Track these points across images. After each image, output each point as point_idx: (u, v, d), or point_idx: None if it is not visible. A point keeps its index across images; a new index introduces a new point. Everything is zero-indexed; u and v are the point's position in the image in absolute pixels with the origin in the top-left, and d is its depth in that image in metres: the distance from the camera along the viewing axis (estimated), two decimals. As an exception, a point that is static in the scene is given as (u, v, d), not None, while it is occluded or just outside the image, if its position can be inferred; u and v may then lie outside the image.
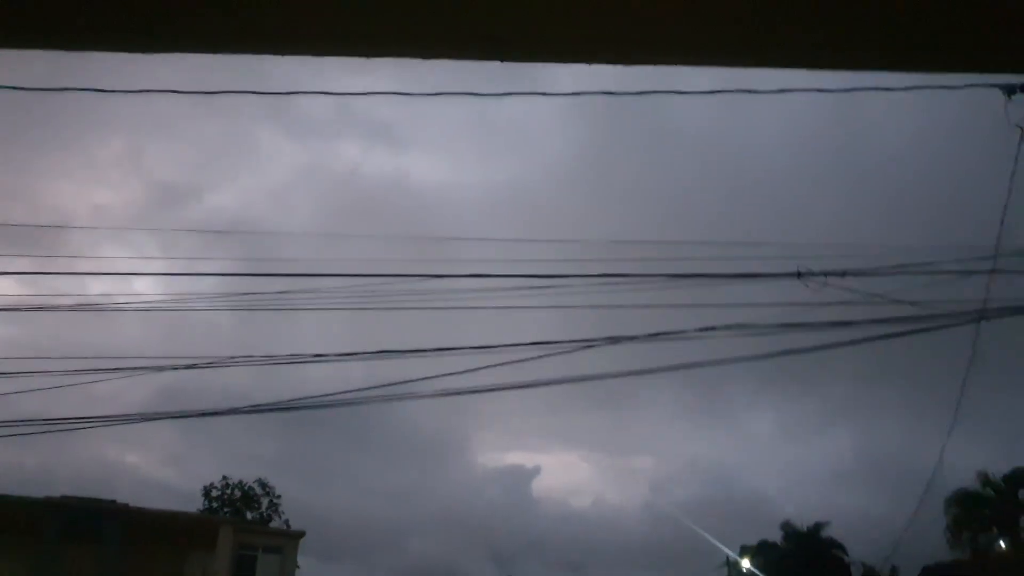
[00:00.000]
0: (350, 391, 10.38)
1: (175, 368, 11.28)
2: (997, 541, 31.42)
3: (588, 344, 9.69)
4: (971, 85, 9.75)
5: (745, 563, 36.41)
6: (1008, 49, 1.48)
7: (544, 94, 8.54)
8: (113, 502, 22.88)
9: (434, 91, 6.66)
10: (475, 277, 9.85)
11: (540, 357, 9.75)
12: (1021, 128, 9.35)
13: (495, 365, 9.80)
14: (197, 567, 25.22)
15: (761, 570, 33.16)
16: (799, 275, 9.72)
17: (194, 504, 42.25)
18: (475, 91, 8.00)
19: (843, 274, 9.91)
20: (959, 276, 9.36)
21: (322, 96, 5.77)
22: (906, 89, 8.37)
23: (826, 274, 9.69)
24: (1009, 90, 9.36)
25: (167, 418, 12.39)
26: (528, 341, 9.73)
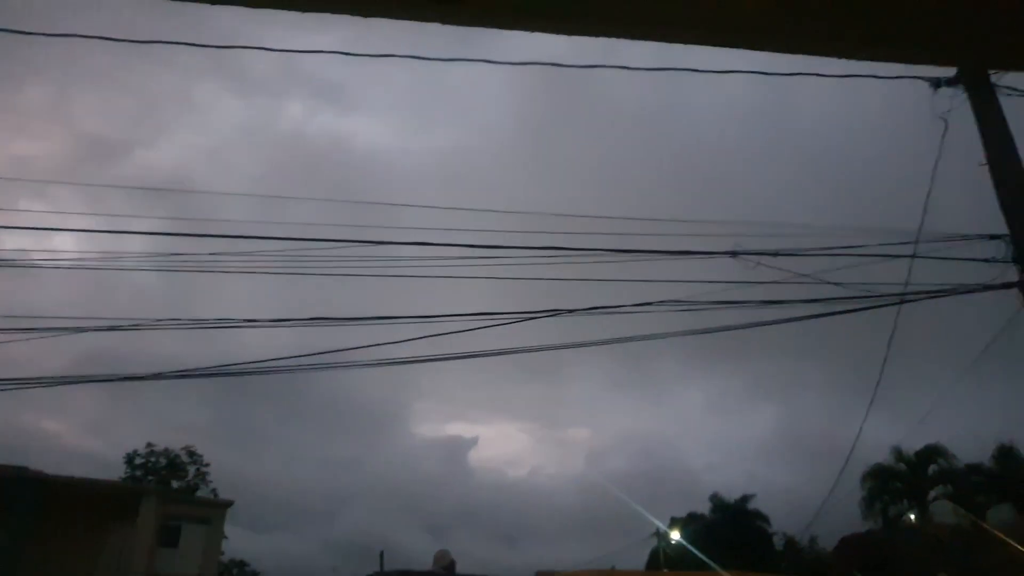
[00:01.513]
0: (283, 358, 10.26)
1: (96, 330, 10.89)
2: (907, 512, 33.07)
3: (529, 316, 9.80)
4: (901, 76, 10.15)
5: (675, 534, 37.49)
6: (936, 44, 1.58)
7: (491, 62, 8.52)
8: (24, 468, 21.93)
9: (380, 52, 6.56)
10: (417, 245, 9.84)
11: (481, 328, 9.82)
12: (945, 120, 9.74)
13: (435, 335, 9.83)
14: (118, 538, 24.60)
15: (690, 540, 34.24)
16: (734, 254, 9.99)
17: (116, 472, 41.18)
18: (422, 55, 7.94)
19: (775, 254, 10.22)
20: (884, 259, 9.74)
21: (266, 53, 5.62)
22: (840, 76, 8.66)
23: (759, 253, 9.98)
24: (936, 83, 9.76)
25: (86, 382, 11.99)
26: (469, 312, 9.78)
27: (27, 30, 5.81)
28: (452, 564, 11.64)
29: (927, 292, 9.51)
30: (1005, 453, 31.45)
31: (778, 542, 38.84)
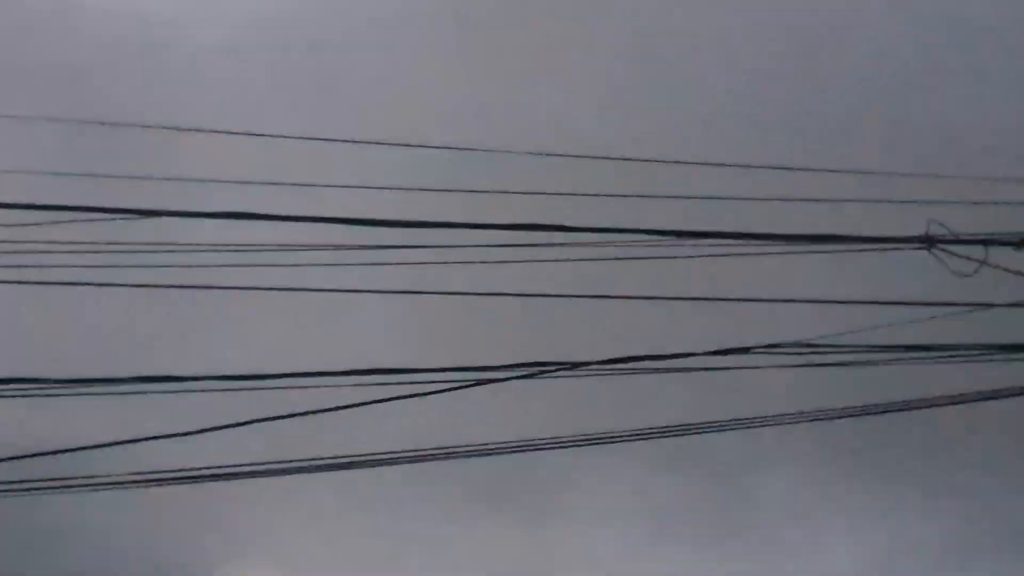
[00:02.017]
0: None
1: None
2: None
3: (477, 381, 4.29)
4: None
5: None
6: None
7: None
8: None
9: None
10: (224, 219, 4.33)
11: (357, 405, 4.38)
12: None
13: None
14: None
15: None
16: (929, 243, 4.51)
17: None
18: None
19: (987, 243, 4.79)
20: None
21: None
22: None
23: (989, 242, 4.53)
24: None
25: None
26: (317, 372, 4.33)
27: None
28: None
29: None
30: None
31: None
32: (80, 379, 4.13)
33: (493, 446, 4.78)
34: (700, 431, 4.52)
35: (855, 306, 4.02)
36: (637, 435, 4.58)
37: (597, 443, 4.62)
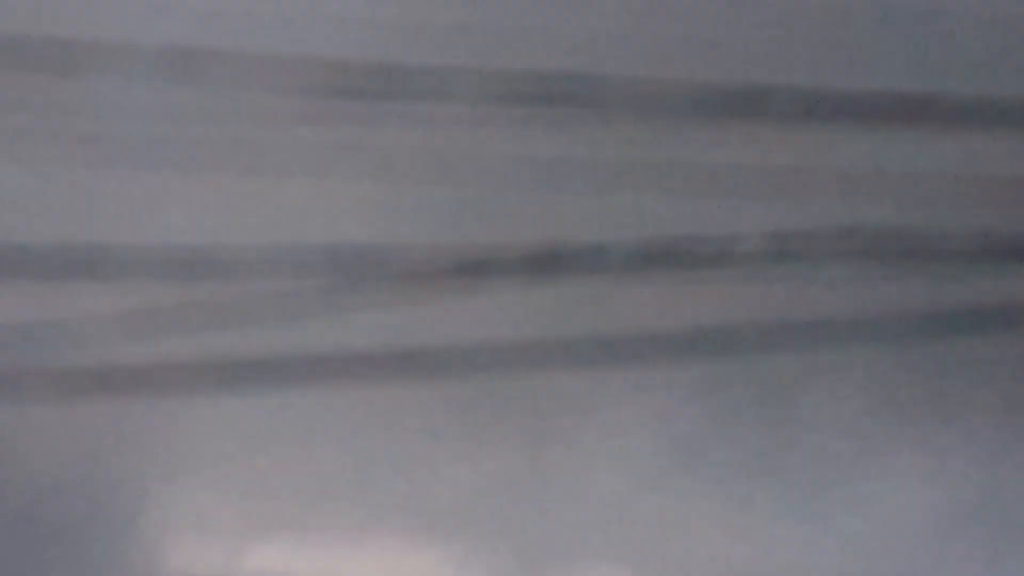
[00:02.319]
0: None
1: None
2: None
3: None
4: None
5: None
6: None
7: None
8: None
9: None
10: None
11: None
12: None
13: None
14: None
15: None
16: None
17: None
18: None
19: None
20: None
21: None
22: None
23: None
24: None
25: None
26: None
27: None
28: None
29: None
30: None
31: None
32: None
33: (486, 357, 4.97)
34: (743, 342, 4.72)
35: (953, 185, 4.18)
36: (665, 346, 4.75)
37: (615, 355, 4.81)
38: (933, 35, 5.33)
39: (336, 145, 5.21)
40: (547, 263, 4.09)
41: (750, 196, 5.36)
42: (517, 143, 4.58)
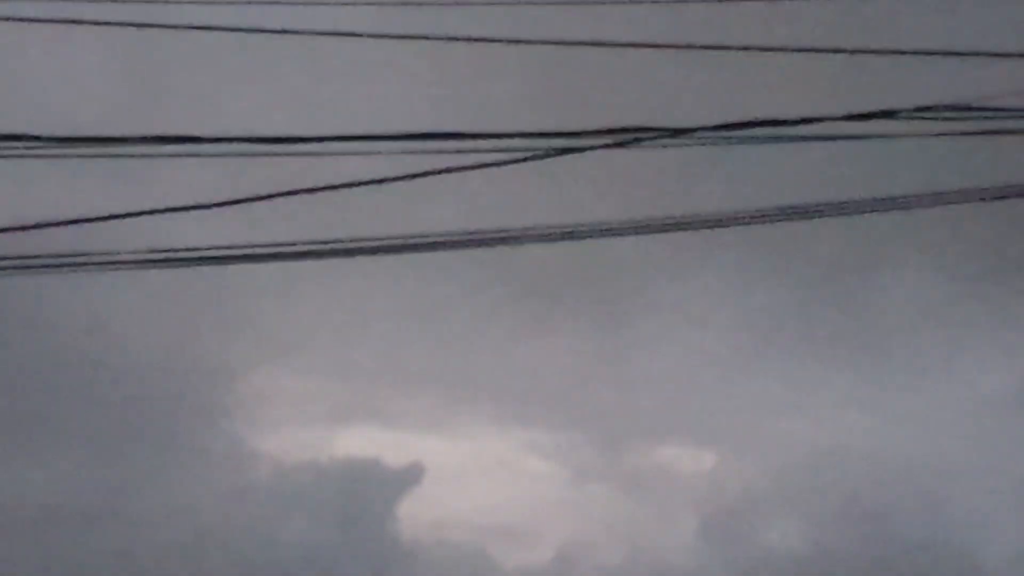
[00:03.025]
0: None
1: None
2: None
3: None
4: None
5: None
6: None
7: None
8: None
9: None
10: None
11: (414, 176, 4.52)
12: None
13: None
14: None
15: None
16: None
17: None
18: None
19: None
20: None
21: None
22: None
23: None
24: None
25: None
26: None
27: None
28: None
29: None
30: None
31: None
32: (80, 137, 4.21)
33: (558, 229, 4.81)
34: (817, 215, 4.54)
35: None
36: (740, 220, 4.59)
37: (689, 229, 4.64)
38: None
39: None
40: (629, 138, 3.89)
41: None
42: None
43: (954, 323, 14.52)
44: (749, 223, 4.58)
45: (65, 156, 4.34)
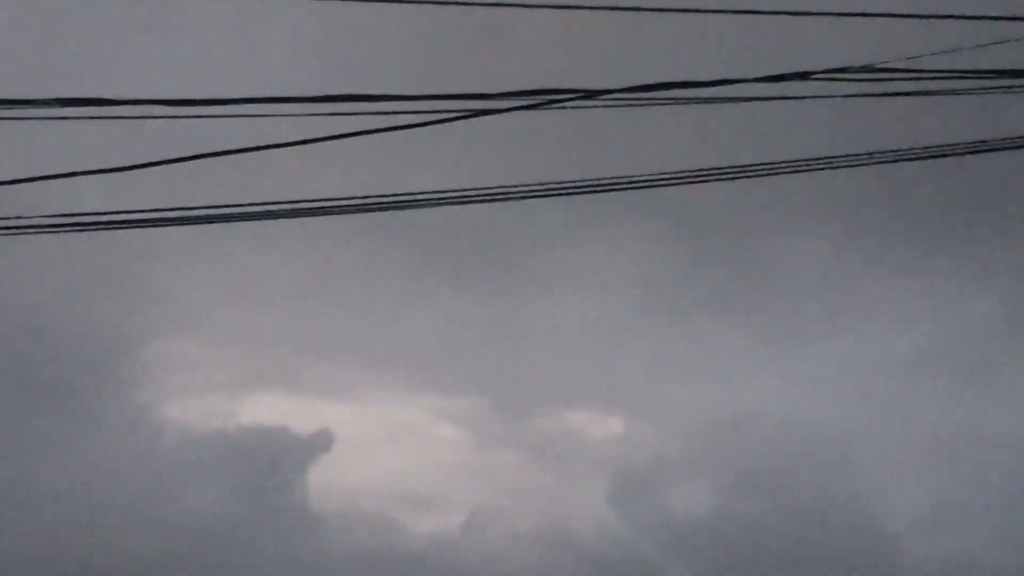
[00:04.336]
0: None
1: None
2: None
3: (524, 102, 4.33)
4: None
5: None
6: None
7: None
8: None
9: None
10: None
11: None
12: None
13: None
14: None
15: None
16: None
17: None
18: None
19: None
20: None
21: None
22: None
23: None
24: None
25: None
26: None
27: None
28: None
29: None
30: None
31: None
32: None
33: (458, 194, 4.71)
34: (722, 176, 4.51)
35: (941, 23, 3.97)
36: (638, 182, 4.50)
37: (587, 192, 4.57)
38: None
39: None
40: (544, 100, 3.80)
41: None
42: None
43: (856, 287, 14.82)
44: (648, 186, 4.55)
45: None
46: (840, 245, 13.85)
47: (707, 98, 3.94)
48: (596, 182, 4.54)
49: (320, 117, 4.15)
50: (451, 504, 15.39)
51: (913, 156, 4.32)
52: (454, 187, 4.58)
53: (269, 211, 4.76)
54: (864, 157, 4.47)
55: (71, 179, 4.14)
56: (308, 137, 4.11)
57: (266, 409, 15.85)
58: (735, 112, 4.23)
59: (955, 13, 4.14)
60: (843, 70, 3.77)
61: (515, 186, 4.58)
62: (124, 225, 4.43)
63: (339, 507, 14.69)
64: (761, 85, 3.79)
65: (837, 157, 4.45)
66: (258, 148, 4.13)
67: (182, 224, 4.79)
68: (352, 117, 4.12)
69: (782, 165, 4.44)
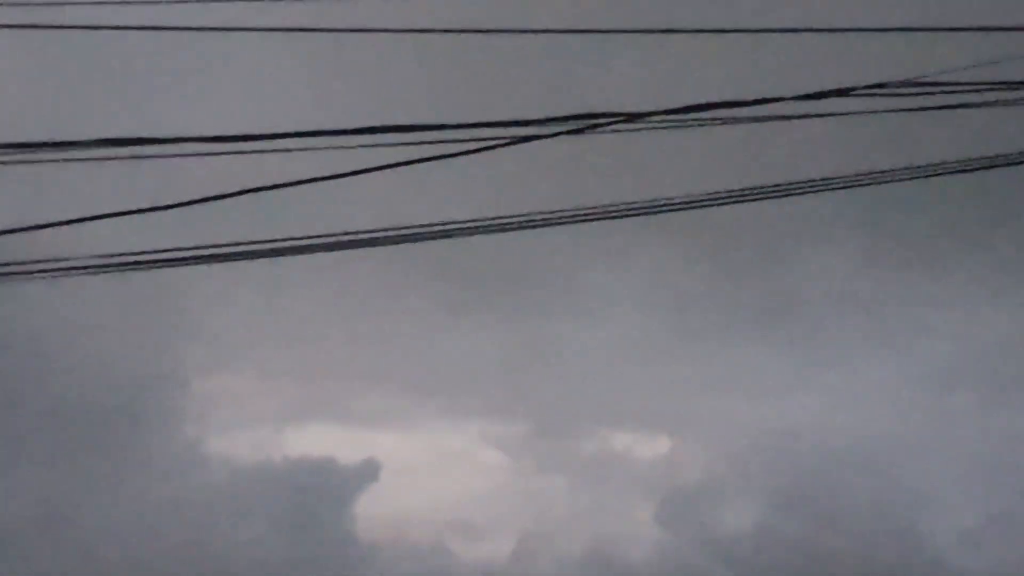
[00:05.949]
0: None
1: None
2: None
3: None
4: None
5: None
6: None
7: None
8: None
9: None
10: None
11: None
12: None
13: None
14: None
15: None
16: None
17: None
18: None
19: None
20: None
21: None
22: None
23: None
24: None
25: None
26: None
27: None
28: None
29: None
30: None
31: None
32: (30, 143, 4.04)
33: (496, 222, 4.67)
34: (755, 197, 4.46)
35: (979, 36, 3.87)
36: (671, 207, 4.44)
37: (621, 217, 4.50)
38: None
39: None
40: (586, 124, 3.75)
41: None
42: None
43: (891, 301, 14.64)
44: (680, 209, 4.50)
45: (10, 163, 4.18)
46: (874, 259, 13.69)
47: (748, 117, 3.89)
48: (633, 205, 4.48)
49: (358, 149, 4.14)
50: (500, 530, 15.25)
51: (951, 170, 4.24)
52: (493, 215, 4.56)
53: (311, 244, 4.76)
54: (902, 172, 4.40)
55: (113, 219, 4.17)
56: (347, 170, 4.12)
57: (313, 440, 15.82)
58: (776, 130, 4.17)
59: (994, 25, 4.07)
60: (883, 85, 3.70)
61: (554, 212, 4.56)
62: (167, 264, 4.44)
63: (388, 536, 14.62)
64: (801, 102, 3.76)
65: (875, 172, 4.38)
66: (300, 183, 4.12)
67: (225, 261, 4.80)
68: (390, 148, 4.07)
69: (819, 183, 4.39)
